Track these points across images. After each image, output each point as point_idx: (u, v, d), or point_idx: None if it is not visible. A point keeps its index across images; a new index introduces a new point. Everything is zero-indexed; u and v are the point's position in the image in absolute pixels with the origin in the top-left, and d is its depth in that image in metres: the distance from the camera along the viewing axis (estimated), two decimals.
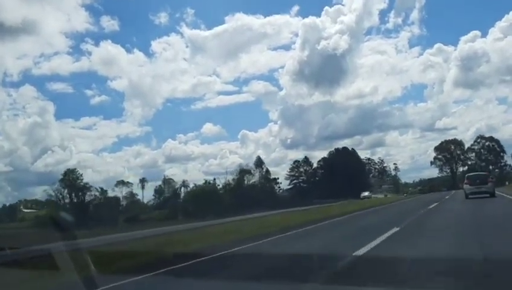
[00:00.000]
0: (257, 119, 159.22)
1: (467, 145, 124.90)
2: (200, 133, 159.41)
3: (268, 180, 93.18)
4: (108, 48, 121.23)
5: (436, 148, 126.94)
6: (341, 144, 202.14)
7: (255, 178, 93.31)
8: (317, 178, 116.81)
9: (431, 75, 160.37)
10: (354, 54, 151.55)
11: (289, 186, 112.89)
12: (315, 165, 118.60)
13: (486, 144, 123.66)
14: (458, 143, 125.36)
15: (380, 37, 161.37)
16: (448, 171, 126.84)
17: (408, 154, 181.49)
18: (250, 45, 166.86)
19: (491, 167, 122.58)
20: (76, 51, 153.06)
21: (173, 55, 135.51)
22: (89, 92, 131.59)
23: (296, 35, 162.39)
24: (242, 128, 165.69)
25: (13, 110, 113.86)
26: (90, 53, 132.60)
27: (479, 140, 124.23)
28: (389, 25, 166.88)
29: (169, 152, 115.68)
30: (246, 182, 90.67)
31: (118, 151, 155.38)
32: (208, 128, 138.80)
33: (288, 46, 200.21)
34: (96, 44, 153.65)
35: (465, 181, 27.07)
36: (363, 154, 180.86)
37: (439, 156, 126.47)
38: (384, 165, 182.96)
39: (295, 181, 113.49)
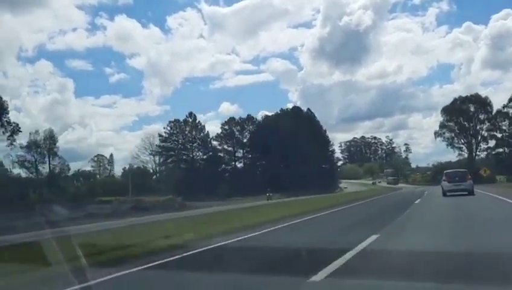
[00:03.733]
0: (276, 99, 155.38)
1: (496, 108, 74.69)
2: (218, 113, 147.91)
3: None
4: (124, 23, 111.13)
5: (445, 111, 77.26)
6: (362, 126, 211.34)
7: None
8: (222, 155, 69.09)
9: (458, 55, 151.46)
10: (378, 31, 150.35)
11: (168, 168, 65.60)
12: (217, 131, 70.62)
13: None
14: (482, 102, 75.13)
15: (405, 15, 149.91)
16: (465, 150, 77.22)
17: (431, 138, 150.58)
18: (270, 22, 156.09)
19: None
20: (91, 25, 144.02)
21: (191, 32, 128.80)
22: (108, 70, 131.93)
23: (318, 12, 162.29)
24: (261, 109, 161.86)
25: (33, 87, 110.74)
26: (105, 28, 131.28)
27: None
28: (416, 1, 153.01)
29: None
30: None
31: (138, 130, 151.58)
32: (225, 108, 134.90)
33: (309, 23, 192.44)
34: (111, 18, 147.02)
35: (444, 178, 25.58)
36: (382, 137, 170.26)
37: (449, 123, 76.77)
38: (393, 145, 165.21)
39: (173, 159, 65.74)
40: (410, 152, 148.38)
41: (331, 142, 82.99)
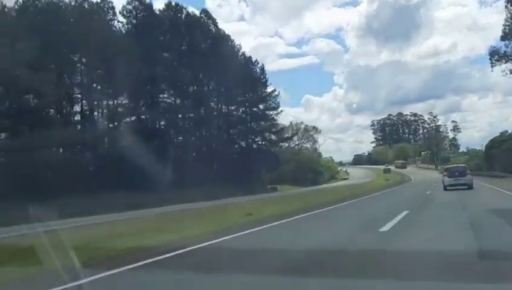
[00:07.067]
0: (321, 83, 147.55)
1: None
2: None
3: None
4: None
5: None
6: (412, 108, 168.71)
7: None
8: None
9: None
10: (430, 6, 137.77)
11: None
12: None
13: None
14: None
15: None
16: None
17: (487, 121, 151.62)
18: (314, 1, 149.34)
19: None
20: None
21: (231, 14, 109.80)
22: None
23: None
24: (306, 93, 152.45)
25: None
26: None
27: None
28: None
29: None
30: None
31: None
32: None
33: (356, 1, 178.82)
34: None
35: (444, 173, 27.45)
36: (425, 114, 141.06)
37: None
38: (438, 124, 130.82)
39: None
40: (459, 132, 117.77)
41: (275, 92, 40.76)
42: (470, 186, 24.45)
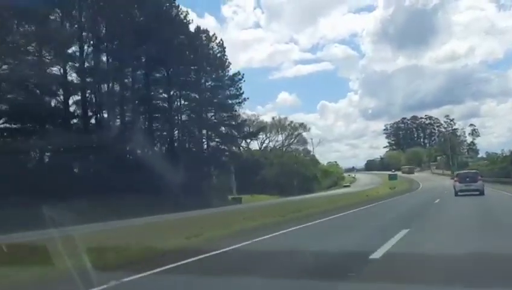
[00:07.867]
0: (337, 89, 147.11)
1: None
2: (276, 103, 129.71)
3: None
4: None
5: None
6: (429, 113, 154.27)
7: None
8: None
9: None
10: (447, 10, 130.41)
11: None
12: None
13: None
14: None
15: None
16: None
17: (506, 126, 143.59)
18: (330, 7, 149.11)
19: None
20: None
21: (246, 21, 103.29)
22: None
23: None
24: (321, 99, 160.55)
25: None
26: None
27: None
28: None
29: None
30: None
31: None
32: (284, 98, 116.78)
33: (371, 6, 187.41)
34: None
35: (455, 179, 27.87)
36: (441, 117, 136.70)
37: None
38: (454, 127, 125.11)
39: None
40: (478, 136, 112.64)
41: (238, 76, 31.43)
42: (481, 192, 24.47)
